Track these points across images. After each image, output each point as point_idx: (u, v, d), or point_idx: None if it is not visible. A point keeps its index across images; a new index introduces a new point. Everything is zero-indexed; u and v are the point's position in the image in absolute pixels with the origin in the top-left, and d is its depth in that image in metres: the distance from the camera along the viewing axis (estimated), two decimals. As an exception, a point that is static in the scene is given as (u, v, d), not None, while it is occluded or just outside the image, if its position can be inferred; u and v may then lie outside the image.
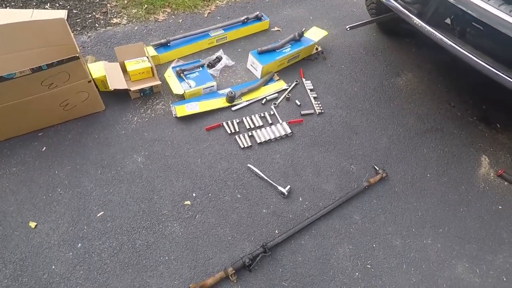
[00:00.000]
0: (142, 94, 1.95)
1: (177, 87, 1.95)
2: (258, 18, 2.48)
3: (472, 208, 1.69)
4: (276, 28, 2.57)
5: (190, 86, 1.95)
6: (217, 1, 2.74)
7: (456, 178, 1.80)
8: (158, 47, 2.16)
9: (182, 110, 1.84)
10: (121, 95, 1.91)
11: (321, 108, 2.01)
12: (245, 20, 2.42)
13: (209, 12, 2.63)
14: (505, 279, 1.47)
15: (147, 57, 2.01)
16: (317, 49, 2.42)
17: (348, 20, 2.75)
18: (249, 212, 1.53)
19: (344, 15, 2.81)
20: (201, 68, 2.08)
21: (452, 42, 1.53)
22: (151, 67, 1.98)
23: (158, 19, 2.49)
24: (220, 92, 2.02)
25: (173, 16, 2.53)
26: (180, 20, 2.50)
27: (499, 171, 1.83)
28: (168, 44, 2.18)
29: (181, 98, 1.96)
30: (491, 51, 1.52)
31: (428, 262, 1.48)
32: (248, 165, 1.68)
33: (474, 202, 1.71)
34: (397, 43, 2.59)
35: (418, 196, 1.69)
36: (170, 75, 2.02)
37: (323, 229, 1.52)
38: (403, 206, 1.65)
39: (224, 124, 1.85)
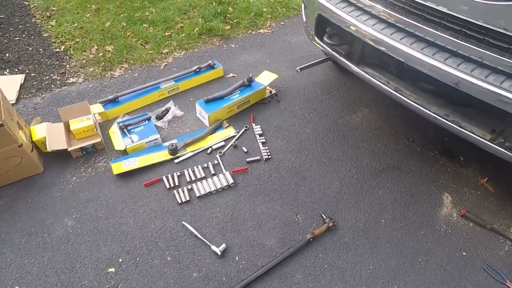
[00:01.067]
0: (84, 152, 1.91)
1: (119, 143, 1.91)
2: (210, 67, 2.51)
3: (432, 257, 1.51)
4: (231, 75, 2.59)
5: (132, 141, 1.90)
6: (175, 53, 2.81)
7: (415, 222, 1.65)
8: (106, 103, 2.16)
9: (118, 167, 1.78)
10: (64, 155, 1.86)
11: (269, 153, 1.93)
12: (197, 70, 2.45)
13: (165, 64, 2.67)
14: None
15: (93, 114, 2.00)
16: (271, 92, 2.40)
17: (306, 60, 2.75)
18: (177, 277, 1.39)
19: (301, 56, 2.83)
20: (147, 121, 2.05)
21: (381, 82, 1.48)
22: (93, 124, 1.97)
23: (114, 75, 2.53)
24: (165, 144, 1.97)
25: (130, 71, 2.57)
26: (136, 74, 2.54)
27: (462, 211, 1.67)
28: (117, 100, 2.18)
29: (125, 153, 1.91)
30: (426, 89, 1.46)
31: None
32: (183, 222, 1.57)
33: (435, 250, 1.54)
34: (354, 80, 2.56)
35: (371, 246, 1.53)
36: (114, 131, 1.99)
37: (259, 292, 1.36)
38: (352, 259, 1.48)
39: (164, 178, 1.76)
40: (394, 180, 1.84)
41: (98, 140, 1.89)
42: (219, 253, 1.44)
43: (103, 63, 2.59)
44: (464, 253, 1.53)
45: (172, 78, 2.36)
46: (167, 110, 2.18)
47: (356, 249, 1.52)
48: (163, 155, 1.89)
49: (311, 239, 1.50)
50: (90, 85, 2.42)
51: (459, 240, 1.58)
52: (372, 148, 2.02)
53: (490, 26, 1.06)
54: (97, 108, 2.12)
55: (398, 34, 1.32)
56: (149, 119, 2.07)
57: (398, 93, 1.43)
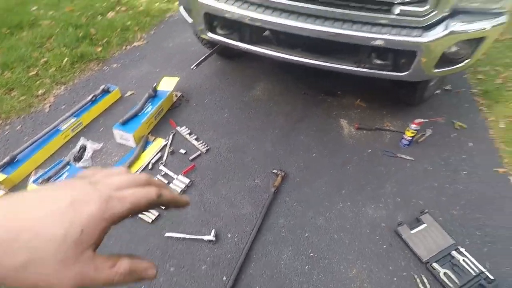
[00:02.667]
0: None
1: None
2: (106, 91, 2.42)
3: (353, 162, 2.05)
4: (129, 93, 2.56)
5: (66, 190, 1.75)
6: (54, 91, 2.55)
7: (333, 146, 2.16)
8: (3, 168, 1.87)
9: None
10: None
11: (206, 145, 2.10)
12: (94, 98, 2.33)
13: (49, 105, 2.42)
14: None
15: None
16: (177, 95, 2.52)
17: (192, 60, 2.94)
18: (189, 278, 1.48)
19: (187, 57, 2.99)
20: (68, 167, 1.90)
21: (274, 52, 1.86)
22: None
23: (-10, 137, 2.15)
24: (102, 179, 1.88)
25: (7, 127, 2.23)
26: (18, 127, 2.23)
27: (356, 125, 2.29)
28: (15, 160, 1.91)
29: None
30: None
31: (348, 221, 1.73)
32: (166, 234, 1.62)
33: (352, 157, 2.09)
34: (240, 62, 2.92)
35: (316, 176, 1.96)
36: (35, 190, 1.77)
37: (260, 249, 1.60)
38: (308, 190, 1.88)
39: (122, 208, 1.73)
40: (306, 125, 2.31)
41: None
42: (213, 239, 1.59)
43: (-34, 130, 2.16)
44: (369, 150, 2.13)
45: (71, 115, 2.20)
46: (83, 148, 2.05)
47: (307, 182, 1.92)
48: (107, 188, 1.82)
49: (275, 191, 1.81)
50: (-35, 159, 2.00)
51: (363, 144, 2.18)
52: (281, 110, 2.44)
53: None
54: (-4, 177, 1.82)
55: (283, 13, 1.69)
56: (68, 163, 1.92)
57: (289, 55, 1.84)
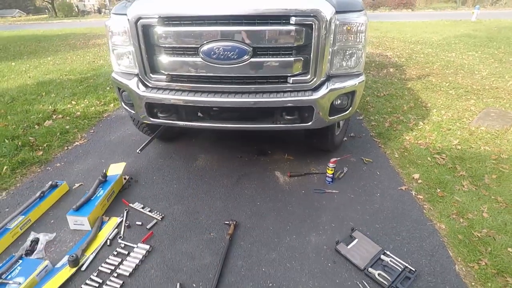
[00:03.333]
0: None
1: (2, 295, 1.68)
2: (54, 186, 2.52)
3: (293, 203, 2.41)
4: (77, 185, 2.68)
5: (20, 283, 1.73)
6: (-5, 198, 2.54)
7: (273, 193, 2.52)
8: None
9: (25, 309, 1.60)
10: None
11: (160, 214, 2.28)
12: (42, 195, 2.41)
13: (-9, 212, 2.39)
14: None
15: None
16: (125, 178, 2.72)
17: (136, 146, 3.24)
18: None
19: (129, 145, 3.30)
20: (20, 261, 1.89)
21: (208, 123, 2.32)
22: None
23: None
24: (59, 265, 1.89)
25: None
26: (-42, 238, 2.14)
27: (288, 174, 2.73)
28: (-40, 266, 1.84)
29: (15, 302, 1.69)
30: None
31: (296, 250, 1.99)
32: (133, 298, 1.68)
33: (291, 199, 2.45)
34: (180, 142, 3.31)
35: (263, 219, 2.24)
36: (-16, 291, 1.71)
37: (225, 290, 1.74)
38: (259, 232, 2.13)
39: (83, 286, 1.75)
40: (247, 181, 2.67)
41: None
42: (180, 291, 1.69)
43: None
44: (303, 191, 2.54)
45: (18, 214, 2.22)
46: (35, 242, 2.05)
47: (256, 225, 2.18)
48: (66, 272, 1.83)
49: (230, 239, 2.03)
50: None
51: (297, 187, 2.59)
52: (223, 173, 2.79)
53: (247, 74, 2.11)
54: None
55: (208, 93, 2.18)
56: (21, 257, 1.91)
57: (220, 124, 2.30)
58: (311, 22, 2.00)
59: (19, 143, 3.25)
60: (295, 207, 2.38)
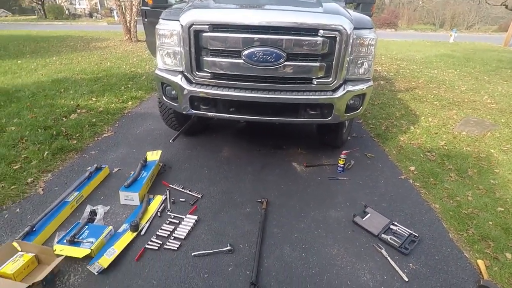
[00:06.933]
0: (44, 283, 1.80)
1: (79, 252, 1.96)
2: (99, 169, 2.81)
3: (311, 187, 2.81)
4: (116, 169, 2.97)
5: (92, 242, 2.02)
6: (42, 178, 2.79)
7: (294, 179, 2.91)
8: (24, 237, 2.04)
9: (105, 260, 1.90)
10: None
11: (199, 193, 2.62)
12: (89, 175, 2.69)
13: (42, 189, 2.65)
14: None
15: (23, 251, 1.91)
16: (159, 165, 3.03)
17: (162, 139, 3.59)
18: (221, 277, 1.86)
19: (155, 138, 3.62)
20: (86, 226, 2.17)
21: (242, 116, 2.70)
22: (35, 255, 1.90)
23: (-10, 222, 2.26)
24: (120, 230, 2.19)
25: (5, 212, 2.37)
26: (18, 210, 2.39)
27: (304, 164, 3.13)
28: (34, 229, 2.11)
29: (90, 258, 1.97)
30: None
31: (320, 222, 2.37)
32: (193, 254, 2.01)
33: (310, 184, 2.86)
34: (203, 137, 3.67)
35: (289, 199, 2.63)
36: (62, 248, 1.98)
37: (267, 250, 2.09)
38: (287, 209, 2.51)
39: (147, 245, 2.06)
40: (269, 169, 3.06)
41: (60, 259, 1.86)
42: (231, 248, 2.04)
43: (-38, 220, 2.24)
44: (319, 178, 2.94)
45: (73, 190, 2.50)
46: (92, 212, 2.34)
47: (284, 204, 2.56)
48: (128, 236, 2.13)
49: (265, 212, 2.40)
50: (-32, 244, 2.08)
51: (313, 175, 2.99)
52: (247, 162, 3.16)
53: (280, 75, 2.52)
54: (18, 246, 1.97)
55: (242, 90, 2.57)
56: (86, 223, 2.20)
57: (253, 117, 2.69)
58: (335, 35, 2.44)
59: (54, 132, 3.50)
60: (314, 190, 2.78)
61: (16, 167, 2.88)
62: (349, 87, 2.65)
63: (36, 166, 2.92)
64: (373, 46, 2.66)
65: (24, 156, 3.07)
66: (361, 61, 2.68)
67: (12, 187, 2.62)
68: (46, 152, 3.11)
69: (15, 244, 1.93)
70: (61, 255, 1.89)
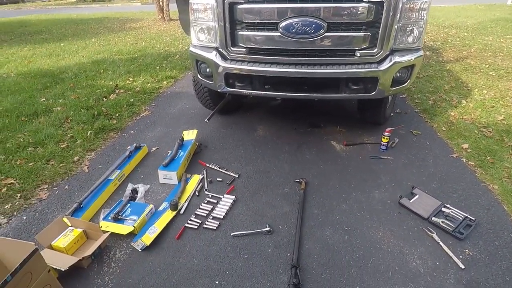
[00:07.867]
0: (93, 257, 1.89)
1: (123, 228, 2.02)
2: (138, 148, 2.87)
3: (352, 166, 2.66)
4: (154, 148, 3.02)
5: (135, 220, 2.07)
6: (87, 156, 2.91)
7: (333, 158, 2.78)
8: (73, 213, 2.15)
9: (147, 238, 1.95)
10: (73, 273, 1.79)
11: (236, 173, 2.59)
12: (130, 154, 2.76)
13: (87, 167, 2.76)
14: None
15: (72, 226, 2.00)
16: (196, 144, 3.03)
17: (197, 118, 3.58)
18: (261, 258, 1.84)
19: (191, 118, 3.61)
20: (129, 204, 2.23)
21: (280, 93, 2.57)
22: (83, 230, 1.99)
23: (42, 198, 2.41)
24: (161, 208, 2.23)
25: (56, 188, 2.51)
26: (66, 187, 2.52)
27: (344, 143, 2.97)
28: (81, 206, 2.21)
29: (133, 234, 2.04)
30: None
31: (363, 203, 2.25)
32: (232, 234, 1.99)
33: (350, 163, 2.71)
34: (236, 116, 3.60)
35: (328, 179, 2.51)
36: (108, 225, 2.06)
37: (307, 231, 2.02)
38: (327, 189, 2.40)
39: (187, 224, 2.08)
40: (306, 148, 2.94)
41: (106, 235, 1.94)
42: (270, 229, 2.00)
43: (18, 195, 2.40)
44: (360, 157, 2.78)
45: (115, 168, 2.57)
46: (134, 191, 2.40)
47: (324, 184, 2.45)
48: (168, 214, 2.17)
49: (304, 192, 2.31)
50: (24, 217, 2.22)
51: (353, 154, 2.83)
52: (283, 141, 3.06)
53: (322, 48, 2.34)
54: (67, 221, 2.08)
55: (280, 65, 2.43)
56: (129, 201, 2.26)
57: (293, 93, 2.55)
58: (382, 0, 2.19)
59: (95, 112, 3.62)
60: (355, 169, 2.63)
61: (63, 146, 3.03)
62: (396, 58, 2.40)
63: (81, 145, 3.05)
64: (425, 11, 2.36)
65: (70, 135, 3.22)
66: (411, 28, 2.41)
67: (61, 165, 2.76)
68: (89, 132, 3.24)
69: (65, 219, 2.03)
70: (107, 231, 1.96)
